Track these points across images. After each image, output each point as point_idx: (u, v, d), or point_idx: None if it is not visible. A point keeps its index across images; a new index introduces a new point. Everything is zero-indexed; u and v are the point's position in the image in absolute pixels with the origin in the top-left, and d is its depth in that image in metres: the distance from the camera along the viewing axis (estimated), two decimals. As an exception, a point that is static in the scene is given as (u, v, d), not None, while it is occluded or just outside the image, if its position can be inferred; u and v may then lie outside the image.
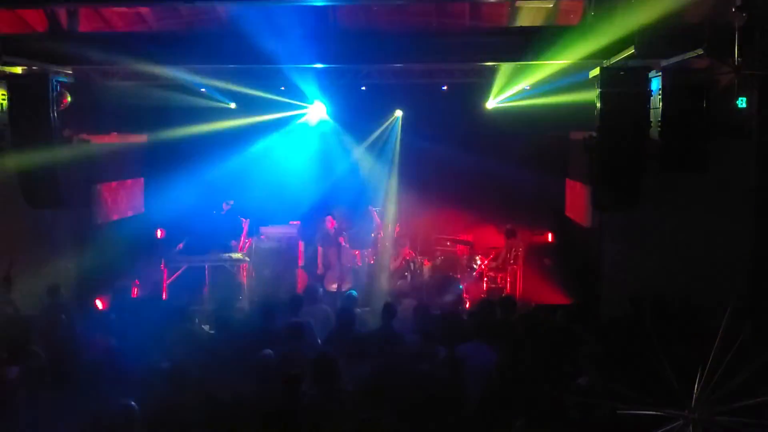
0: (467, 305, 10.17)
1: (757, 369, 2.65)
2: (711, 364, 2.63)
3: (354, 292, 7.76)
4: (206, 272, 10.41)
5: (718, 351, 2.68)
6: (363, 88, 11.06)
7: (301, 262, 11.67)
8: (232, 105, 11.94)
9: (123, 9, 8.84)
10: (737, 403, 2.61)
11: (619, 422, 4.34)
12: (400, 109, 12.62)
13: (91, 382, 5.37)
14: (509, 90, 10.80)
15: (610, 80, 7.38)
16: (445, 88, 11.21)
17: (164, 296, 9.94)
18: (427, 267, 11.38)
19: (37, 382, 5.52)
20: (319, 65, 8.86)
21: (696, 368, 2.68)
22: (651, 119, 7.42)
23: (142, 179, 11.58)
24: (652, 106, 7.39)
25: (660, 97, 7.30)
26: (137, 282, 10.30)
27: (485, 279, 11.06)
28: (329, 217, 11.21)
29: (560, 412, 4.89)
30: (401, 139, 12.97)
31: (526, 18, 8.82)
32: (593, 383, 5.12)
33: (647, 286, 7.30)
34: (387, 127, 12.91)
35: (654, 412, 2.63)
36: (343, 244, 11.05)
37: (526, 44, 7.73)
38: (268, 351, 5.70)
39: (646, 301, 7.01)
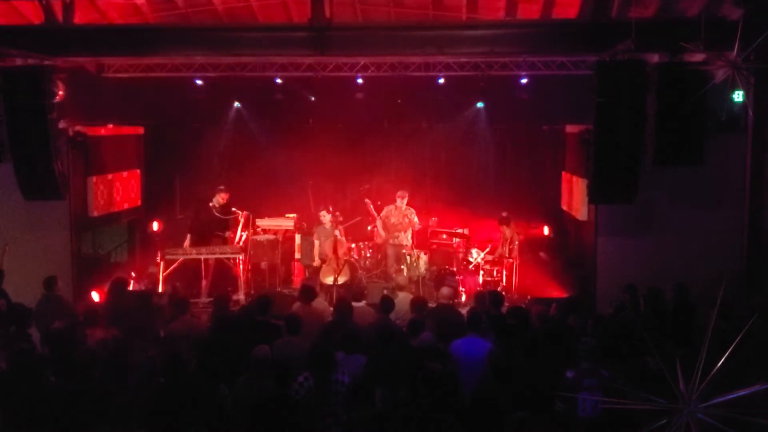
0: (463, 298, 10.18)
1: (748, 360, 2.66)
2: (704, 357, 2.65)
3: None
4: (202, 265, 10.38)
5: (711, 343, 2.70)
6: (359, 81, 11.01)
7: (297, 255, 11.66)
8: None
9: (119, 1, 8.83)
10: (730, 394, 2.63)
11: (612, 415, 4.39)
12: (397, 101, 12.60)
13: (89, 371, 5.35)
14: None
15: (606, 73, 7.39)
16: (441, 81, 11.17)
17: (161, 289, 9.91)
18: (423, 260, 11.37)
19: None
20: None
21: (689, 361, 2.70)
22: (647, 112, 7.43)
23: (138, 171, 11.55)
24: (648, 100, 7.40)
25: (656, 90, 7.31)
26: (133, 274, 10.27)
27: (481, 272, 11.06)
28: (325, 211, 11.19)
29: (554, 407, 4.93)
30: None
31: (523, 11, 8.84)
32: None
33: (642, 279, 7.32)
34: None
35: (647, 406, 2.65)
36: (339, 236, 11.02)
37: (524, 37, 7.72)
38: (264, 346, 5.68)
39: (638, 292, 7.04)
